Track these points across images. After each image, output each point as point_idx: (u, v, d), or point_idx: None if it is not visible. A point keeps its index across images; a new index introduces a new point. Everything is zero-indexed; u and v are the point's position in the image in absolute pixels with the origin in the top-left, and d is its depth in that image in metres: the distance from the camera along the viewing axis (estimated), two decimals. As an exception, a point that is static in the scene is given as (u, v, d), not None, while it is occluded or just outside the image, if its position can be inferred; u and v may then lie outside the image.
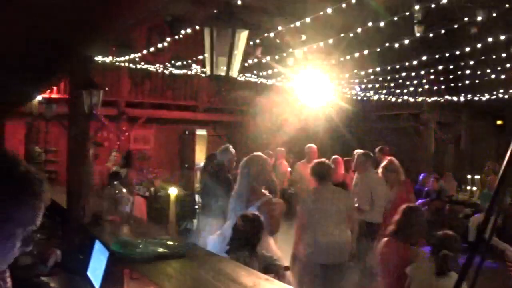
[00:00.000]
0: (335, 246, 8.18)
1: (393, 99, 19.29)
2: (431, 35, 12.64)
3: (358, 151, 11.34)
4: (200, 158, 23.41)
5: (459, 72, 15.57)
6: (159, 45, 13.00)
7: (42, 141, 16.24)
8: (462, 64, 14.57)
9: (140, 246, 4.38)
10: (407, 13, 10.96)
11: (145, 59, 15.66)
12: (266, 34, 12.36)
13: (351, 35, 11.89)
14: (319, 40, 12.65)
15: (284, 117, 23.08)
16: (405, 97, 18.93)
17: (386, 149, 13.45)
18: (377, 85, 17.97)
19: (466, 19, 12.25)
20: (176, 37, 12.25)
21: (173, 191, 4.70)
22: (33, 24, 6.70)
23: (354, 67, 15.80)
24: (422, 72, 15.75)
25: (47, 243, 5.16)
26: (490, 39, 11.43)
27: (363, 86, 18.48)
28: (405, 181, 11.13)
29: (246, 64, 14.08)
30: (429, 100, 19.15)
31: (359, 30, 11.51)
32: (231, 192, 7.82)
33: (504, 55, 12.81)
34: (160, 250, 4.37)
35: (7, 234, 2.21)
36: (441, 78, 16.40)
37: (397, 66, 15.18)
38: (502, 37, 11.07)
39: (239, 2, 8.58)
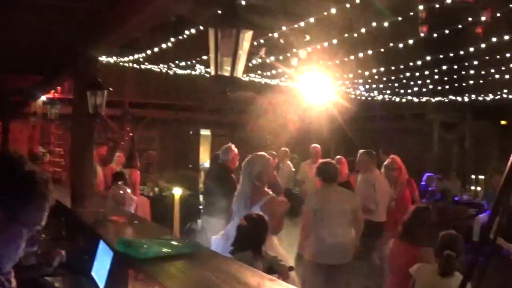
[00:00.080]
0: (340, 246, 8.18)
1: (397, 99, 19.28)
2: (435, 35, 12.61)
3: (361, 151, 11.33)
4: (204, 158, 23.45)
5: (463, 72, 15.56)
6: (163, 45, 13.00)
7: (46, 141, 16.25)
8: (466, 64, 14.56)
9: (145, 246, 4.38)
10: (411, 13, 10.96)
11: (149, 59, 15.65)
12: (270, 34, 12.35)
13: (355, 35, 11.89)
14: (323, 40, 12.65)
15: (288, 117, 23.08)
16: (409, 97, 18.91)
17: (389, 149, 13.43)
18: (381, 85, 17.95)
19: (470, 19, 12.22)
20: (180, 37, 12.26)
21: (177, 192, 4.70)
22: (41, 26, 6.74)
23: (358, 67, 15.78)
24: (426, 72, 15.73)
25: (52, 244, 5.16)
26: (494, 39, 11.42)
27: (367, 86, 18.46)
28: (409, 180, 11.12)
29: (250, 64, 14.09)
30: (433, 100, 19.14)
31: (363, 30, 11.51)
32: (235, 192, 7.83)
33: (508, 55, 12.78)
34: (165, 250, 4.37)
35: (12, 235, 2.22)
36: (445, 78, 16.37)
37: (401, 66, 15.17)
38: (506, 37, 11.05)
39: (243, 3, 8.60)
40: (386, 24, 10.96)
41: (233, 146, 10.23)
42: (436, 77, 16.14)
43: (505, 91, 16.45)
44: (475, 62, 14.29)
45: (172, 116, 22.02)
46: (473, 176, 17.35)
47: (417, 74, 15.91)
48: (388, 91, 18.77)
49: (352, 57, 13.71)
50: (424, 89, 17.93)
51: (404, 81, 16.69)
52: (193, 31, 11.60)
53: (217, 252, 5.54)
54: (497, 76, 14.79)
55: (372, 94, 19.58)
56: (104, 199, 9.37)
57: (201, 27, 11.24)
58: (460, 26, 11.92)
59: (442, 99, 18.68)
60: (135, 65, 16.30)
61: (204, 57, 13.89)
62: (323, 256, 8.18)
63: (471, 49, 12.68)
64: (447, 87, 17.16)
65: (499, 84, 15.83)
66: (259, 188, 7.36)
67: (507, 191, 1.96)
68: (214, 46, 3.78)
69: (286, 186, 15.30)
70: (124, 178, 10.80)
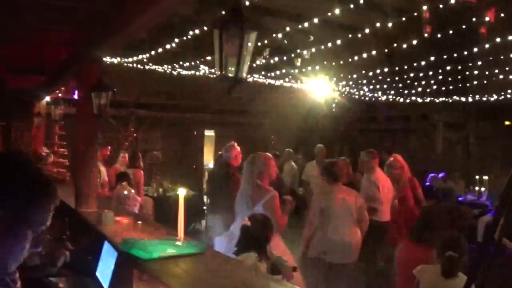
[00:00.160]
0: (345, 245, 8.22)
1: (402, 99, 19.28)
2: (439, 35, 12.61)
3: (363, 152, 11.31)
4: (208, 159, 23.45)
5: (467, 73, 15.56)
6: (167, 46, 13.01)
7: (50, 142, 16.24)
8: (470, 64, 14.55)
9: (149, 246, 4.38)
10: (415, 14, 10.96)
11: (153, 60, 15.65)
12: (274, 35, 12.36)
13: (359, 35, 11.89)
14: (327, 40, 12.66)
15: (292, 118, 23.11)
16: (414, 98, 18.91)
17: (392, 149, 13.41)
18: (385, 86, 17.95)
19: (474, 19, 12.22)
20: (184, 38, 12.27)
21: (182, 192, 4.70)
22: (45, 27, 6.74)
23: (362, 67, 15.79)
24: (431, 73, 15.72)
25: (56, 244, 5.17)
26: (498, 40, 11.41)
27: (371, 86, 18.46)
28: (411, 179, 11.10)
29: (254, 65, 14.09)
30: (437, 100, 19.12)
31: (367, 30, 11.51)
32: (238, 191, 7.87)
33: (512, 55, 12.78)
34: (169, 250, 4.37)
35: (17, 235, 2.22)
36: (450, 79, 16.36)
37: (405, 67, 15.17)
38: (510, 38, 11.04)
39: (247, 3, 8.61)
40: (390, 24, 10.97)
41: (235, 144, 10.25)
42: (440, 77, 16.13)
43: (509, 91, 16.42)
44: (479, 63, 14.28)
45: (176, 116, 22.01)
46: (477, 177, 17.31)
47: (421, 74, 15.91)
48: (392, 92, 18.77)
49: (356, 58, 13.71)
50: (428, 90, 17.93)
51: (408, 81, 16.69)
52: (197, 31, 11.61)
53: (221, 252, 5.55)
54: (501, 76, 14.78)
55: (376, 95, 19.57)
56: (109, 200, 9.38)
57: (205, 28, 11.25)
58: (464, 27, 11.93)
59: (446, 99, 18.66)
60: (139, 66, 16.31)
61: (208, 58, 13.91)
62: (328, 254, 8.22)
63: (475, 50, 12.68)
64: (451, 87, 17.15)
65: (503, 84, 15.80)
66: (260, 187, 7.42)
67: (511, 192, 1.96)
68: (218, 47, 3.79)
69: (290, 186, 15.33)
70: (128, 178, 10.82)
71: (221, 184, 9.74)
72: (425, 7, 10.99)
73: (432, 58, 13.63)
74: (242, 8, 3.75)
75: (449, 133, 21.78)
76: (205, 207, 14.68)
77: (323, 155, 14.74)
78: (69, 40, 7.74)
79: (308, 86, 20.27)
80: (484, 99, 17.59)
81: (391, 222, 10.18)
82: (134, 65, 16.04)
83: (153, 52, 13.88)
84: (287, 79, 19.22)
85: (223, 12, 3.87)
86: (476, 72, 15.49)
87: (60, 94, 15.14)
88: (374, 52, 13.20)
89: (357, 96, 20.64)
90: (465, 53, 13.16)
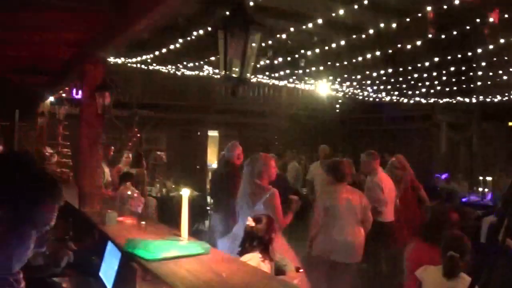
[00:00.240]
0: (349, 245, 8.23)
1: (405, 100, 19.28)
2: (443, 36, 12.61)
3: (363, 153, 11.30)
4: (212, 159, 23.46)
5: (471, 74, 15.56)
6: (171, 46, 13.02)
7: (54, 142, 16.26)
8: (474, 65, 14.55)
9: (153, 247, 4.38)
10: (419, 15, 10.96)
11: (157, 60, 15.66)
12: (278, 36, 12.36)
13: (363, 36, 11.90)
14: (331, 41, 12.66)
15: (296, 118, 23.11)
16: (417, 99, 18.91)
17: (394, 150, 13.40)
18: (389, 87, 17.95)
19: (478, 20, 12.22)
20: (188, 38, 12.28)
21: (185, 193, 4.70)
22: (49, 27, 6.74)
23: (366, 68, 15.79)
24: (434, 74, 15.72)
25: (59, 244, 5.17)
26: (502, 41, 11.41)
27: (375, 87, 18.45)
28: (412, 179, 11.08)
29: (258, 65, 14.10)
30: (441, 101, 19.11)
31: (371, 31, 11.51)
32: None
33: (516, 56, 12.79)
34: (173, 251, 4.37)
35: (22, 235, 2.22)
36: (453, 80, 16.36)
37: (409, 68, 15.17)
38: (514, 39, 11.06)
39: (251, 4, 8.61)
40: (394, 25, 10.96)
41: (238, 143, 10.28)
42: (444, 78, 16.13)
43: (513, 92, 16.45)
44: (483, 64, 14.28)
45: (179, 117, 22.02)
46: (480, 177, 17.29)
47: (425, 75, 15.90)
48: (396, 92, 18.77)
49: (360, 58, 13.71)
50: (432, 90, 17.93)
51: (412, 82, 16.69)
52: (201, 32, 11.62)
53: (225, 253, 5.55)
54: (505, 77, 14.78)
55: (380, 95, 19.57)
56: (112, 200, 9.39)
57: (209, 28, 11.26)
58: (468, 28, 11.92)
59: (450, 100, 18.67)
60: (143, 66, 16.33)
61: (212, 58, 13.93)
62: (331, 253, 8.24)
63: (479, 51, 12.67)
64: (455, 88, 17.14)
65: (507, 85, 15.80)
66: (260, 186, 7.45)
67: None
68: (223, 48, 3.79)
69: (293, 187, 15.32)
70: (132, 178, 10.82)
71: (224, 183, 9.74)
72: (429, 8, 10.97)
73: (436, 59, 13.62)
74: (246, 8, 3.75)
75: (452, 134, 21.77)
76: (208, 207, 14.68)
77: (326, 155, 14.73)
78: (73, 41, 7.74)
79: (311, 86, 20.27)
80: (488, 100, 17.60)
81: (394, 222, 10.18)
82: (138, 65, 16.05)
83: (157, 53, 13.90)
84: (291, 80, 19.22)
85: (228, 13, 3.87)
86: (480, 73, 15.49)
87: (64, 94, 15.16)
88: (378, 53, 13.20)
89: (360, 97, 20.65)
90: (469, 54, 13.16)
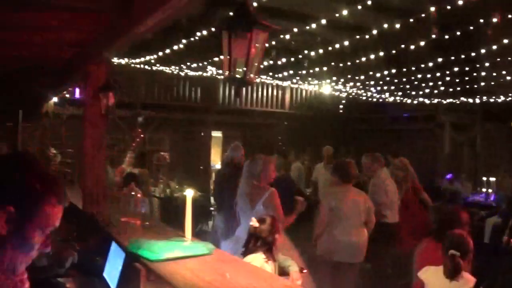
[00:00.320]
0: (353, 245, 8.26)
1: (409, 101, 19.28)
2: (446, 37, 12.60)
3: (364, 155, 11.27)
4: (215, 160, 23.45)
5: (475, 74, 15.55)
6: (175, 47, 13.03)
7: (57, 142, 16.27)
8: (478, 66, 14.54)
9: (157, 247, 4.39)
10: (423, 15, 10.95)
11: (161, 61, 15.68)
12: (281, 36, 12.36)
13: (367, 36, 11.90)
14: (334, 42, 12.66)
15: (299, 119, 23.12)
16: (421, 99, 18.91)
17: (397, 153, 13.39)
18: (392, 87, 17.95)
19: (481, 21, 12.21)
20: (192, 39, 12.29)
21: (189, 193, 4.70)
22: (53, 27, 6.74)
23: (369, 68, 15.79)
24: (438, 74, 15.71)
25: (63, 245, 5.17)
26: (505, 41, 11.40)
27: (378, 88, 18.46)
28: (414, 182, 11.07)
29: (262, 66, 14.12)
30: (444, 102, 19.11)
31: (374, 32, 11.51)
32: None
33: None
34: (177, 251, 4.38)
35: (26, 236, 2.22)
36: (457, 80, 16.35)
37: (413, 68, 15.17)
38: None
39: (254, 4, 8.61)
40: (397, 26, 10.96)
41: (240, 145, 10.35)
42: (448, 78, 16.12)
43: (517, 92, 16.44)
44: (487, 64, 14.28)
45: (183, 117, 22.01)
46: (484, 178, 17.28)
47: (429, 75, 15.90)
48: (400, 93, 18.77)
49: (363, 59, 13.72)
50: (435, 91, 17.92)
51: (416, 82, 16.69)
52: (204, 32, 11.63)
53: (228, 253, 5.56)
54: (508, 77, 14.77)
55: (383, 96, 19.58)
56: (116, 200, 9.39)
57: (212, 29, 11.27)
58: (471, 28, 11.92)
59: (454, 100, 18.67)
60: (146, 67, 16.35)
61: (216, 59, 13.94)
62: (335, 253, 8.27)
63: (483, 51, 12.67)
64: (458, 88, 17.14)
65: (510, 85, 15.79)
66: (258, 187, 7.49)
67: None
68: (227, 48, 3.79)
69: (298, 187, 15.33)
70: (135, 179, 10.83)
71: (227, 184, 9.75)
72: (432, 8, 10.97)
73: (440, 60, 13.62)
74: (250, 8, 3.75)
75: (456, 134, 21.75)
76: (212, 208, 14.67)
77: (330, 156, 14.73)
78: (76, 41, 7.74)
79: (315, 87, 20.29)
80: (492, 100, 17.59)
81: (400, 223, 10.18)
82: (142, 66, 16.07)
83: (160, 53, 13.91)
84: (294, 80, 19.24)
85: (231, 13, 3.87)
86: (483, 73, 15.49)
87: (67, 95, 15.17)
88: (381, 53, 13.20)
89: (364, 97, 20.66)
90: (473, 54, 13.15)
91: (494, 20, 11.91)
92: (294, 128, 23.41)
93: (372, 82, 17.80)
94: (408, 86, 17.47)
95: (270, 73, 17.98)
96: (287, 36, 12.41)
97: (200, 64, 15.92)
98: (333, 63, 15.67)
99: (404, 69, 15.31)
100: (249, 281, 3.84)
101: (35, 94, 13.09)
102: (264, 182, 7.59)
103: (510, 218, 9.48)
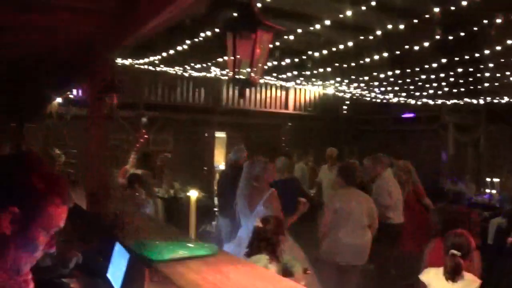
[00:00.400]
0: (356, 247, 8.29)
1: (413, 101, 19.26)
2: (450, 37, 12.59)
3: (367, 157, 11.25)
4: (219, 160, 23.43)
5: (479, 75, 15.53)
6: (179, 48, 13.04)
7: (61, 143, 16.27)
8: (482, 66, 14.52)
9: (161, 248, 4.39)
10: (427, 16, 10.94)
11: (165, 61, 15.68)
12: (285, 37, 12.36)
13: (371, 37, 11.89)
14: (338, 42, 12.66)
15: (303, 120, 23.11)
16: (425, 100, 18.89)
17: (401, 155, 13.39)
18: (396, 88, 17.94)
19: (485, 21, 12.19)
20: (196, 39, 12.29)
21: (193, 194, 4.71)
22: (56, 27, 6.74)
23: (373, 69, 15.79)
24: (442, 75, 15.70)
25: (68, 245, 5.17)
26: (509, 42, 11.38)
27: (382, 88, 18.45)
28: (415, 185, 11.05)
29: (265, 67, 14.10)
30: (448, 102, 19.09)
31: (378, 32, 11.50)
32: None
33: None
34: (181, 252, 4.38)
35: (31, 236, 2.22)
36: (461, 81, 16.33)
37: (417, 69, 15.16)
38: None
39: (258, 5, 8.61)
40: (401, 26, 10.95)
41: (243, 147, 10.40)
42: (452, 79, 16.11)
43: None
44: (491, 65, 14.27)
45: (186, 118, 22.00)
46: (488, 179, 17.26)
47: (433, 76, 15.89)
48: (404, 94, 18.75)
49: (367, 59, 13.71)
50: (439, 92, 17.91)
51: (420, 83, 16.68)
52: (208, 33, 11.64)
53: (232, 254, 5.55)
54: (512, 78, 14.76)
55: (387, 97, 19.57)
56: (120, 201, 9.39)
57: (216, 30, 11.28)
58: (475, 29, 11.91)
59: (458, 101, 18.64)
60: (150, 67, 16.35)
61: (220, 59, 13.94)
62: (338, 255, 8.28)
63: (487, 52, 12.65)
64: (462, 89, 17.12)
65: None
66: (258, 189, 7.50)
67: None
68: (231, 49, 3.79)
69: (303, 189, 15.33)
70: (139, 180, 10.83)
71: (230, 185, 9.75)
72: (436, 9, 10.96)
73: (444, 60, 13.61)
74: (255, 9, 3.75)
75: (460, 135, 21.73)
76: (215, 209, 14.67)
77: (334, 157, 14.73)
78: (80, 41, 7.74)
79: (319, 87, 20.28)
80: (496, 101, 17.57)
81: (405, 224, 10.18)
82: (146, 66, 16.08)
83: (164, 54, 13.91)
84: (298, 81, 19.23)
85: (235, 14, 3.87)
86: (487, 74, 15.47)
87: (71, 96, 15.17)
88: (385, 54, 13.20)
89: (368, 98, 20.65)
90: (477, 55, 13.14)
91: (498, 20, 11.89)
92: (297, 129, 23.41)
93: (376, 83, 17.79)
94: (412, 87, 17.46)
95: (274, 74, 17.98)
96: (291, 37, 12.39)
97: (204, 65, 15.92)
98: (337, 64, 15.66)
99: (408, 70, 15.30)
100: (253, 282, 3.84)
101: (39, 95, 13.10)
102: (263, 184, 7.61)
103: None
